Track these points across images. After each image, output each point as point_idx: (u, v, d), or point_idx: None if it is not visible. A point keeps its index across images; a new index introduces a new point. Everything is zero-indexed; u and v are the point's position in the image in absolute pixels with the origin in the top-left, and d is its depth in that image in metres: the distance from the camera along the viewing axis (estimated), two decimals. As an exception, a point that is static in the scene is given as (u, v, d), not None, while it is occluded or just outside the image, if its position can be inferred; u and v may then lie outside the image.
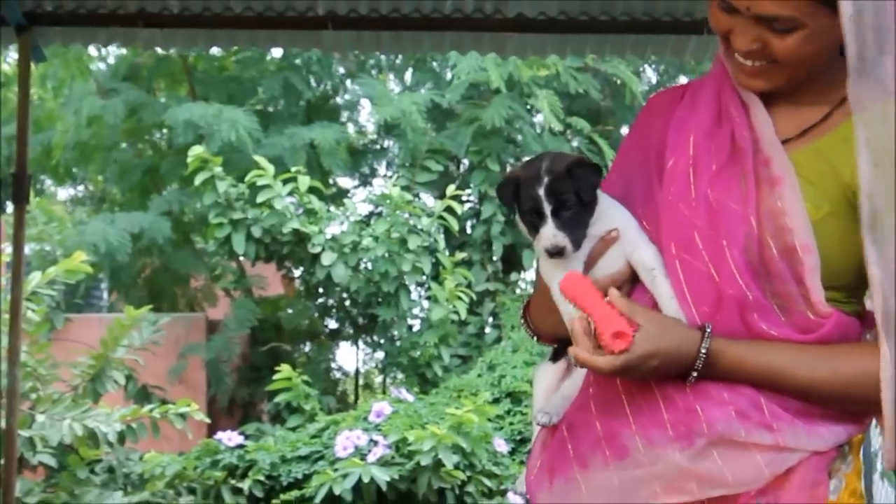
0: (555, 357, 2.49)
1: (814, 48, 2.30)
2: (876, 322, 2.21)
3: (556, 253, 2.31)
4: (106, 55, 12.96)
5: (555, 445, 2.38)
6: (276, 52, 12.05)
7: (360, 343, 11.60)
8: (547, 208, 2.29)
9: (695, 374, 2.26)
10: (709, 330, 2.26)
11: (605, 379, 2.31)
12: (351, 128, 13.39)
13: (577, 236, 2.30)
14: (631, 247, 2.34)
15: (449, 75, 12.21)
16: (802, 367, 2.27)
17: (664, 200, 2.36)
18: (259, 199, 10.24)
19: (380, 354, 11.59)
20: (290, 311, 11.39)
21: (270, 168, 10.21)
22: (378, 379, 12.67)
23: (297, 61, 12.23)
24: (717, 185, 2.33)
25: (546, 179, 2.30)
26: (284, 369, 8.77)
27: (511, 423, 8.58)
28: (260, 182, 10.20)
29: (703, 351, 2.25)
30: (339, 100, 13.37)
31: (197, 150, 10.24)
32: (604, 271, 2.34)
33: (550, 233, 2.30)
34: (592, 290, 2.26)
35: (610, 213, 2.36)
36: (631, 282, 2.35)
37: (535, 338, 2.57)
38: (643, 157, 2.47)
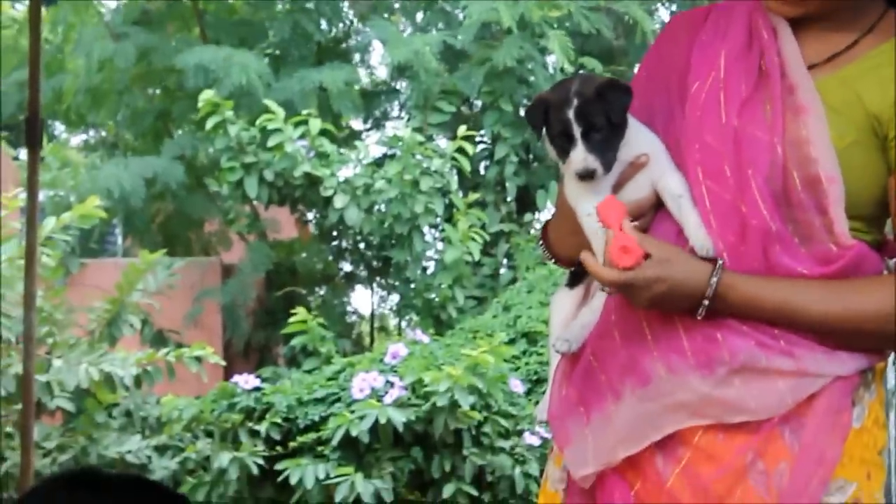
0: (572, 283, 2.47)
1: None
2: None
3: (587, 176, 2.29)
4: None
5: (582, 374, 2.37)
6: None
7: (375, 286, 11.61)
8: (577, 131, 2.27)
9: (704, 304, 2.24)
10: (720, 263, 2.24)
11: (627, 306, 2.30)
12: (362, 70, 13.34)
13: (608, 159, 2.28)
14: (658, 173, 2.32)
15: (461, 16, 12.15)
16: (815, 303, 2.26)
17: (690, 126, 2.33)
18: (270, 143, 10.22)
19: (394, 297, 11.60)
20: (304, 254, 11.40)
21: (281, 112, 10.19)
22: (393, 321, 12.68)
23: (309, 4, 12.18)
24: (744, 111, 2.30)
25: (576, 102, 2.27)
26: (300, 312, 8.77)
27: (527, 364, 8.59)
28: (271, 126, 10.18)
29: (713, 283, 2.23)
30: (350, 42, 13.31)
31: (208, 95, 10.22)
32: (630, 196, 2.32)
33: (581, 156, 2.27)
34: (619, 217, 2.25)
35: (639, 138, 2.34)
36: (653, 210, 2.33)
37: (552, 260, 2.55)
38: (664, 80, 2.44)
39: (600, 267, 2.24)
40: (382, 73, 13.65)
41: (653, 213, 2.33)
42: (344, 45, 13.23)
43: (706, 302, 2.24)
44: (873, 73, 2.28)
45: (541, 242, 2.57)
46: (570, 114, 2.27)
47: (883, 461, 2.35)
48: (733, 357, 2.24)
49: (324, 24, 12.64)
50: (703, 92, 2.34)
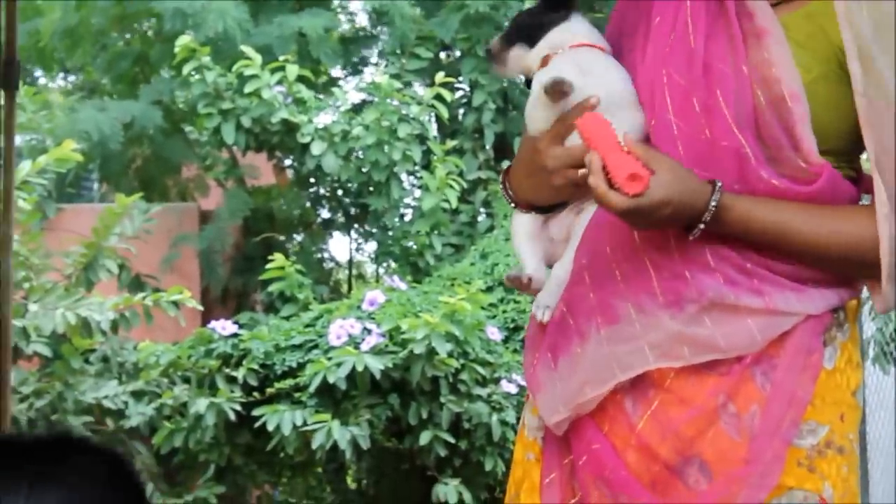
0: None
1: None
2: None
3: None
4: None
5: (555, 324, 2.37)
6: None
7: (353, 233, 11.60)
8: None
9: (701, 226, 2.24)
10: (719, 184, 2.24)
11: (596, 249, 2.30)
12: (342, 17, 13.26)
13: (509, 39, 2.33)
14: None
15: (438, -41, 12.08)
16: (806, 226, 2.26)
17: (655, 63, 2.33)
18: (247, 89, 10.17)
19: (372, 244, 11.58)
20: (281, 200, 11.36)
21: (258, 58, 10.14)
22: (371, 268, 12.67)
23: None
24: (708, 43, 2.31)
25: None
26: (277, 259, 8.77)
27: (504, 312, 8.60)
28: (248, 72, 10.13)
29: (714, 203, 2.23)
30: (330, -14, 13.23)
31: (185, 40, 10.16)
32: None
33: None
34: (611, 134, 2.23)
35: (605, 75, 2.34)
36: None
37: (512, 204, 2.56)
38: (635, 15, 2.45)
39: (610, 193, 2.21)
40: (363, 19, 13.58)
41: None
42: (324, -10, 13.14)
43: (703, 223, 2.24)
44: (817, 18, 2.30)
45: (501, 186, 2.58)
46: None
47: (858, 402, 2.37)
48: (702, 294, 2.25)
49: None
50: (665, 27, 2.34)
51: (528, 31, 2.38)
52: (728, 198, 2.25)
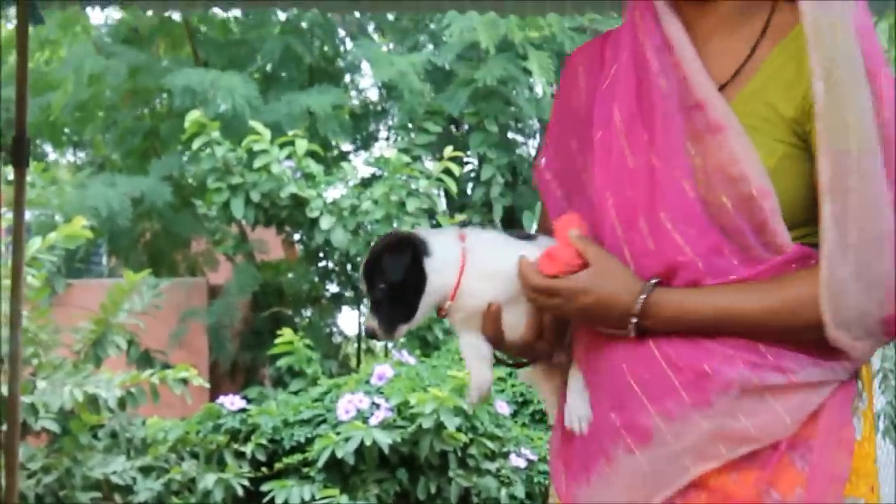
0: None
1: None
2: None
3: (372, 336, 2.31)
4: (105, 19, 12.92)
5: (580, 441, 2.33)
6: (282, 16, 12.04)
7: (361, 307, 11.59)
8: (367, 291, 2.30)
9: (633, 321, 2.22)
10: (653, 282, 2.21)
11: (607, 364, 2.28)
12: (353, 91, 13.35)
13: (390, 322, 2.29)
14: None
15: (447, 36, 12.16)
16: (750, 301, 2.21)
17: (600, 180, 2.31)
18: (256, 164, 10.22)
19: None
20: (290, 275, 11.38)
21: (267, 132, 10.19)
22: (380, 343, 12.66)
23: (303, 23, 12.19)
24: (653, 149, 2.24)
25: (366, 261, 2.30)
26: (286, 333, 8.77)
27: (513, 385, 8.58)
28: (257, 147, 10.18)
29: (641, 299, 2.21)
30: (340, 63, 13.31)
31: (195, 115, 10.21)
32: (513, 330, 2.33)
33: (366, 318, 2.33)
34: (568, 229, 2.24)
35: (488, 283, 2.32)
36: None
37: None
38: (573, 125, 2.42)
39: (530, 270, 2.22)
40: (373, 94, 13.67)
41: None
42: (334, 66, 13.22)
43: (633, 320, 2.23)
44: (777, 77, 2.25)
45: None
46: (361, 272, 2.30)
47: (877, 470, 2.34)
48: (728, 385, 2.21)
49: (316, 45, 12.62)
50: (606, 140, 2.31)
51: (400, 303, 2.36)
52: (660, 293, 2.22)
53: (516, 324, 2.31)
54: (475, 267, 2.30)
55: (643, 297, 2.20)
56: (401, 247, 2.28)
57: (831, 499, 2.20)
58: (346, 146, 13.26)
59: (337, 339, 12.03)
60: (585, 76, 2.43)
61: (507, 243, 2.32)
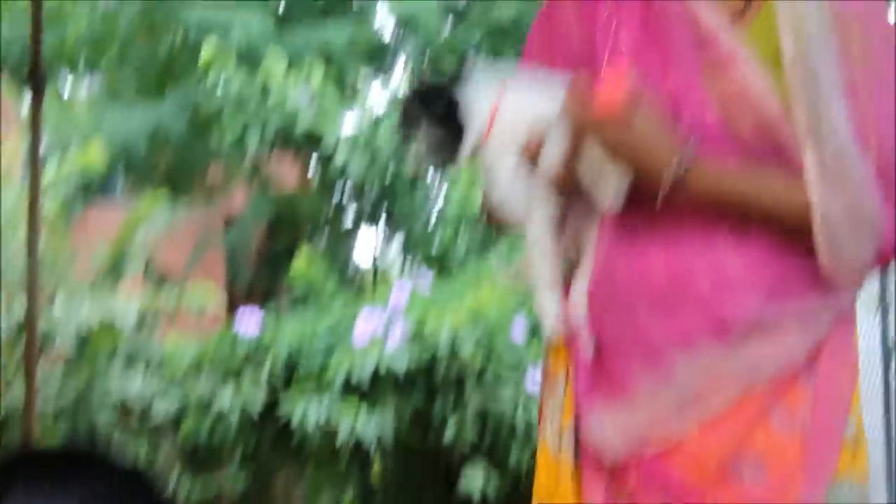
0: None
1: None
2: None
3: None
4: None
5: (595, 364, 2.33)
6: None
7: (377, 232, 11.62)
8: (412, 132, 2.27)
9: (676, 162, 2.20)
10: (693, 142, 2.17)
11: (627, 278, 2.28)
12: (368, 25, 13.30)
13: (440, 155, 2.27)
14: None
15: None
16: (785, 192, 2.21)
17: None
18: (271, 96, 10.20)
19: (397, 245, 11.59)
20: (306, 203, 11.39)
21: (283, 64, 10.17)
22: (395, 267, 12.69)
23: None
24: (670, 77, 2.22)
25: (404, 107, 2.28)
26: (302, 258, 8.78)
27: (529, 310, 8.59)
28: (272, 79, 10.16)
29: (690, 143, 2.16)
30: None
31: (210, 47, 10.19)
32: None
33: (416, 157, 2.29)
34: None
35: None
36: None
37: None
38: (560, 56, 2.39)
39: (579, 94, 2.19)
40: (388, 27, 13.61)
41: None
42: (350, 0, 13.17)
43: (676, 160, 2.21)
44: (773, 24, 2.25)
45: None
46: (401, 114, 2.29)
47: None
48: (745, 317, 2.22)
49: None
50: (615, 64, 2.26)
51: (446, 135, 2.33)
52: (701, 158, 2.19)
53: (553, 157, 2.24)
54: (516, 93, 2.27)
55: (691, 143, 2.17)
56: (440, 83, 2.27)
57: (838, 416, 2.23)
58: (362, 78, 13.23)
59: (353, 263, 12.06)
60: (577, 6, 2.38)
61: (548, 79, 2.28)
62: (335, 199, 11.51)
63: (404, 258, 11.38)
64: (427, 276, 8.99)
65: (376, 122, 10.71)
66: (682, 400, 2.22)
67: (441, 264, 10.17)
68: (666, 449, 2.23)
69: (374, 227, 11.52)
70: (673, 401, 2.23)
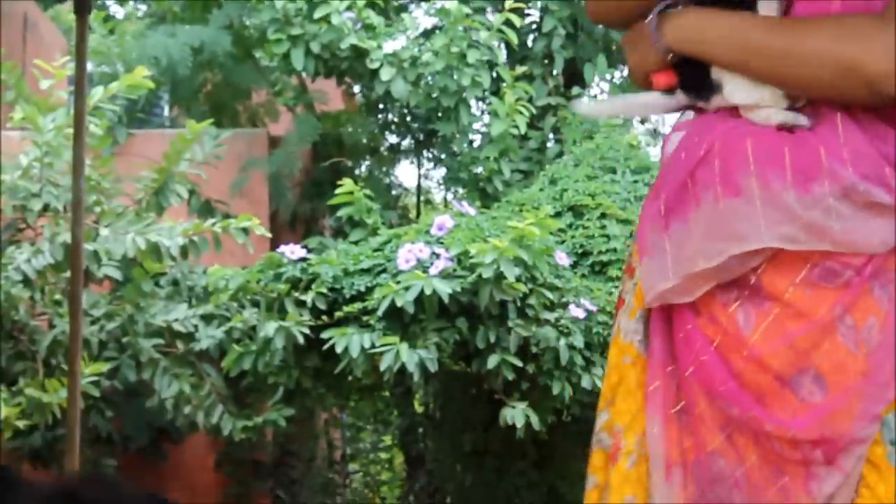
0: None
1: None
2: None
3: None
4: None
5: (672, 189, 2.32)
6: None
7: (421, 158, 11.59)
8: None
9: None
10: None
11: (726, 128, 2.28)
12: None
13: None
14: None
15: None
16: (773, 36, 2.22)
17: None
18: (317, 15, 10.15)
19: (440, 169, 11.57)
20: (350, 126, 11.37)
21: (327, -21, 10.11)
22: (439, 194, 12.68)
23: None
24: None
25: None
26: (346, 184, 8.75)
27: (573, 237, 8.57)
28: (317, -6, 10.11)
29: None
30: None
31: (253, -34, 10.15)
32: None
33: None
34: None
35: None
36: None
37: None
38: None
39: None
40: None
41: None
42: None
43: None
44: None
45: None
46: None
47: None
48: (834, 180, 2.18)
49: None
50: None
51: None
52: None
53: None
54: None
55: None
56: None
57: None
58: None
59: (397, 189, 12.04)
60: None
61: None
62: (380, 121, 11.48)
63: (447, 185, 11.35)
64: (471, 203, 8.97)
65: (421, 41, 10.66)
66: (739, 226, 2.21)
67: (484, 192, 10.14)
68: (726, 355, 2.22)
69: (418, 154, 11.48)
70: (728, 225, 2.21)
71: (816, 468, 2.19)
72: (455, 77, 10.24)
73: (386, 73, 10.30)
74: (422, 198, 12.37)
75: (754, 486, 2.22)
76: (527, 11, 11.51)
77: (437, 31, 10.82)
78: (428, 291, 7.32)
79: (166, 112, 13.41)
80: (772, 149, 2.22)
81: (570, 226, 8.65)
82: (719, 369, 2.24)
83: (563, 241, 8.45)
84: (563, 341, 7.61)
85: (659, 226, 2.31)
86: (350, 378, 7.84)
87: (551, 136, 11.15)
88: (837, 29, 2.18)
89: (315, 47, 10.27)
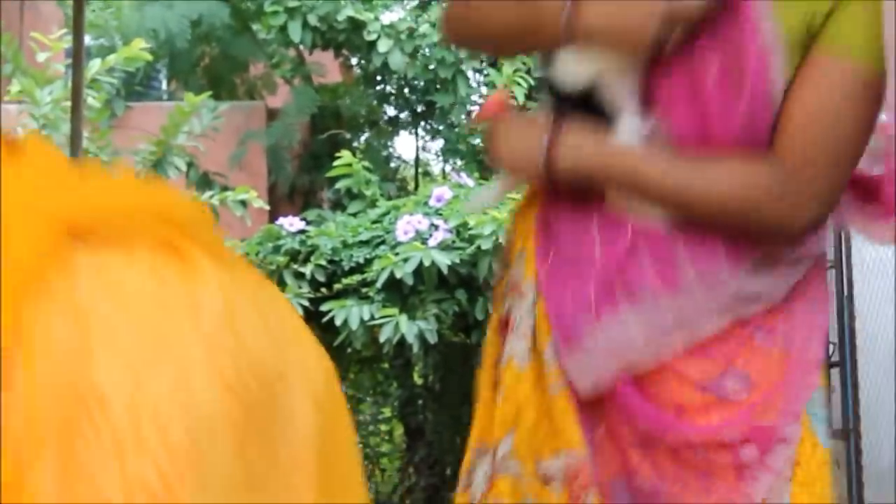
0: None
1: None
2: None
3: None
4: None
5: (599, 279, 2.25)
6: None
7: (419, 130, 11.58)
8: None
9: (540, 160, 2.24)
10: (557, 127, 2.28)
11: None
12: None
13: None
14: None
15: None
16: (669, 175, 2.17)
17: None
18: (314, -18, 10.14)
19: (438, 141, 11.55)
20: (348, 98, 11.35)
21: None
22: (437, 165, 12.67)
23: None
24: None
25: None
26: (345, 155, 8.75)
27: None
28: (315, -34, 10.10)
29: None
30: None
31: (250, -66, 10.13)
32: None
33: None
34: None
35: None
36: None
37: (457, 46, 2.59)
38: None
39: None
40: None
41: None
42: None
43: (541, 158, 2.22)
44: None
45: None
46: None
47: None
48: (755, 249, 2.21)
49: None
50: None
51: None
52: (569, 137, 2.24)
53: None
54: None
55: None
56: None
57: (815, 340, 2.27)
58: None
59: (395, 161, 12.04)
60: None
61: None
62: (378, 93, 11.47)
63: (445, 156, 11.35)
64: (469, 174, 8.97)
65: (419, 12, 10.64)
66: (686, 318, 2.21)
67: (482, 163, 10.14)
68: (646, 373, 2.22)
69: (415, 125, 11.48)
70: (676, 319, 2.21)
71: (747, 469, 2.20)
72: (452, 48, 10.22)
73: (383, 45, 10.29)
74: (420, 169, 12.36)
75: (686, 498, 2.21)
76: (525, -18, 11.47)
77: (434, 2, 10.81)
78: (427, 263, 7.34)
79: (164, 85, 13.39)
80: (697, 227, 2.23)
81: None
82: (634, 396, 2.23)
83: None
84: (562, 311, 7.60)
85: (589, 315, 2.23)
86: (349, 350, 7.86)
87: (549, 107, 11.12)
88: (738, 177, 2.16)
89: (312, 19, 10.26)
